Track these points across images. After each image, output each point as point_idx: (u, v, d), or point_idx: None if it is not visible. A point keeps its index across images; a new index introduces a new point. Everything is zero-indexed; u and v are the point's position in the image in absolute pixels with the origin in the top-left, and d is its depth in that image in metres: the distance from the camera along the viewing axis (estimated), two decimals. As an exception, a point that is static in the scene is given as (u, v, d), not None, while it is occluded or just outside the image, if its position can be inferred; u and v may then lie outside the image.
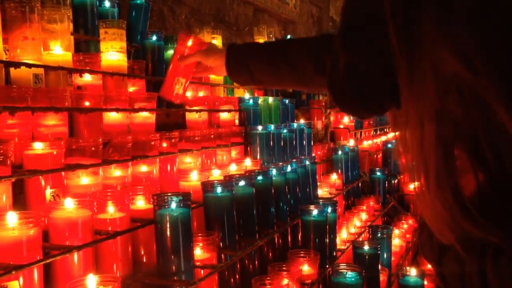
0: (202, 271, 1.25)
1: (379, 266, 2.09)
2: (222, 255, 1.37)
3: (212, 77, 2.02)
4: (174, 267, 1.20)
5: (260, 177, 1.63)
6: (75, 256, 1.10)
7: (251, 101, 2.13)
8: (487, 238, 0.57)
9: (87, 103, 1.33)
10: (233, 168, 1.73)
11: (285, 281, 1.43)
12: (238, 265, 1.52)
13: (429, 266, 2.33)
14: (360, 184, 2.85)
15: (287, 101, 2.50)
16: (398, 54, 0.61)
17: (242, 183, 1.50)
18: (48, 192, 1.19)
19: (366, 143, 3.35)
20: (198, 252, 1.29)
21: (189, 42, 1.53)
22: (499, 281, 0.56)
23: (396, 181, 3.31)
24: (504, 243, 0.57)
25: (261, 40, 2.70)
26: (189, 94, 1.78)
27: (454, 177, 0.59)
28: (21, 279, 0.98)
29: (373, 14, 0.66)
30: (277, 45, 1.37)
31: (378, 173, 2.90)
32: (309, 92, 3.02)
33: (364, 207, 2.60)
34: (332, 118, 3.06)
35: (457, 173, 0.59)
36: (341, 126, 3.14)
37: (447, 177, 0.59)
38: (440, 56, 0.56)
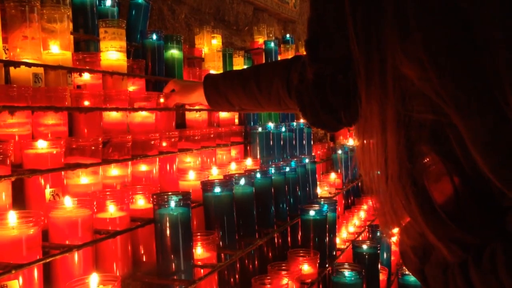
0: (202, 270, 1.26)
1: (379, 266, 2.09)
2: (222, 254, 1.37)
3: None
4: (173, 267, 1.20)
5: (259, 177, 1.63)
6: (75, 255, 1.10)
7: (251, 100, 2.13)
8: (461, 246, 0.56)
9: (86, 103, 1.33)
10: (233, 168, 1.73)
11: (285, 281, 1.43)
12: (238, 265, 1.52)
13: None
14: (360, 183, 2.85)
15: (287, 100, 2.49)
16: (357, 58, 0.60)
17: (242, 182, 1.50)
18: (48, 191, 1.19)
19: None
20: (198, 252, 1.29)
21: (161, 100, 1.63)
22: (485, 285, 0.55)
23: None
24: (478, 248, 0.55)
25: (260, 40, 2.70)
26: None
27: (421, 184, 0.57)
28: (20, 279, 0.98)
29: (337, 20, 0.65)
30: (249, 73, 1.34)
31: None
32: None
33: (365, 206, 2.60)
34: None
35: (426, 179, 0.57)
36: (341, 125, 3.13)
37: (412, 183, 0.57)
38: (398, 60, 0.55)
